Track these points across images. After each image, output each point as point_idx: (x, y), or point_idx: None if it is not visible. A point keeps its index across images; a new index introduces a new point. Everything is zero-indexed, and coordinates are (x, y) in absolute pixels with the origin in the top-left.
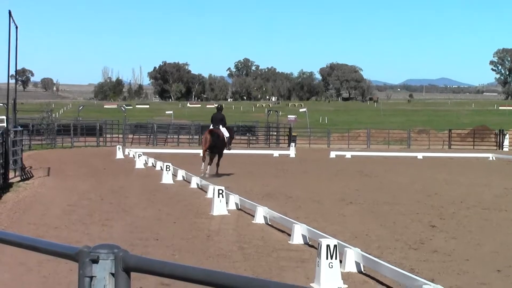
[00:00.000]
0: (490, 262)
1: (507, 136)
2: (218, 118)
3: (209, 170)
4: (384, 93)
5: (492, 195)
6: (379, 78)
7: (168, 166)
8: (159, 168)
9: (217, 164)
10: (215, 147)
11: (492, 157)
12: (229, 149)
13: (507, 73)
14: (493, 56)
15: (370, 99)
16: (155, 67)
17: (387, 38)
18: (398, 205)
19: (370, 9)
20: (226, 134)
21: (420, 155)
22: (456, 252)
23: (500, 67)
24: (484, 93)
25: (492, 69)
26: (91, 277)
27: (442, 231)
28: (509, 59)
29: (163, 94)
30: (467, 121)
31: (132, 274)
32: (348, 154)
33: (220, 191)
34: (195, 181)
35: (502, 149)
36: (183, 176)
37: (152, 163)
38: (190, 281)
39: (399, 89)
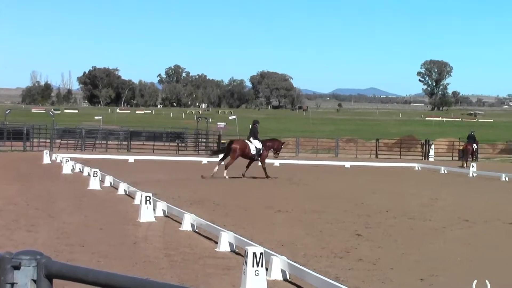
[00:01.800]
0: (414, 270)
1: (432, 146)
2: (251, 130)
3: (217, 170)
4: (314, 102)
5: (418, 205)
6: (308, 87)
7: (95, 172)
8: (87, 174)
9: (263, 168)
10: (226, 152)
11: (418, 167)
12: (255, 158)
13: (434, 84)
14: (421, 67)
15: (300, 107)
16: (84, 72)
17: (317, 47)
18: (326, 214)
19: (300, 18)
20: (256, 145)
21: (347, 164)
22: (381, 261)
23: (427, 78)
24: (412, 104)
25: (419, 80)
26: (12, 284)
27: (368, 240)
28: (436, 70)
29: (92, 99)
30: (394, 131)
31: (55, 281)
32: (277, 162)
33: (148, 198)
34: (122, 187)
35: (428, 159)
36: (110, 182)
37: (80, 169)
38: None
39: (328, 98)
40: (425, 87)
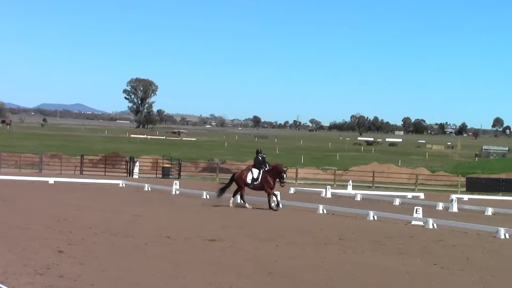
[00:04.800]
0: (114, 287)
1: (137, 163)
2: (256, 161)
3: (232, 201)
4: (18, 116)
5: (121, 222)
6: (12, 101)
7: None
8: None
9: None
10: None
11: (123, 184)
12: (249, 186)
13: (139, 102)
14: (127, 85)
15: (3, 121)
16: None
17: (23, 59)
18: (29, 230)
19: (7, 29)
20: (254, 174)
21: (51, 180)
22: (82, 277)
23: (133, 96)
24: (118, 121)
25: (125, 97)
26: None
27: (69, 256)
28: (141, 89)
29: None
30: (99, 148)
31: None
32: None
33: None
34: None
35: (133, 176)
36: None
37: None
38: None
39: (33, 113)
40: (130, 104)
